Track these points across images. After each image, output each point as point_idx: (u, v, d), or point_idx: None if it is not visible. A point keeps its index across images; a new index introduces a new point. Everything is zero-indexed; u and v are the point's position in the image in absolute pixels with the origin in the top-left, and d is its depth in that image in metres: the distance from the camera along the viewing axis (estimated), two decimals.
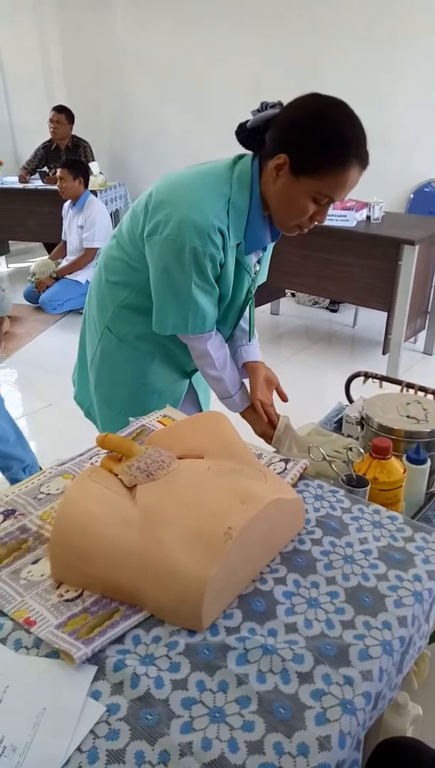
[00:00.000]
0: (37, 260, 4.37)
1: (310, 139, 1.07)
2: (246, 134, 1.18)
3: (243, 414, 1.40)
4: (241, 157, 1.21)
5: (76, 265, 4.08)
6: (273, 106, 1.14)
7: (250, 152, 1.20)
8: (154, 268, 1.22)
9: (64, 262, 4.16)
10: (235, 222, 1.19)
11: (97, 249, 3.97)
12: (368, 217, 3.21)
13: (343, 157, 1.07)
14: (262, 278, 1.43)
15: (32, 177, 4.71)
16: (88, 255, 4.03)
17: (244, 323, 1.45)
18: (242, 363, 1.43)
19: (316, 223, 1.19)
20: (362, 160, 1.09)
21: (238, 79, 4.35)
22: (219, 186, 1.17)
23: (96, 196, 4.33)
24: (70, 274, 4.08)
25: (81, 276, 4.03)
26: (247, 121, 1.18)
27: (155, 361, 1.41)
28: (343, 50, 3.79)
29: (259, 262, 1.36)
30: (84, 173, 3.93)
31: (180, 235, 1.15)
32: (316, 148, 1.07)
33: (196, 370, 1.50)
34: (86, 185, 3.95)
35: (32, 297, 4.13)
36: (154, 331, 1.29)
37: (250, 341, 1.46)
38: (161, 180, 1.24)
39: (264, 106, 1.15)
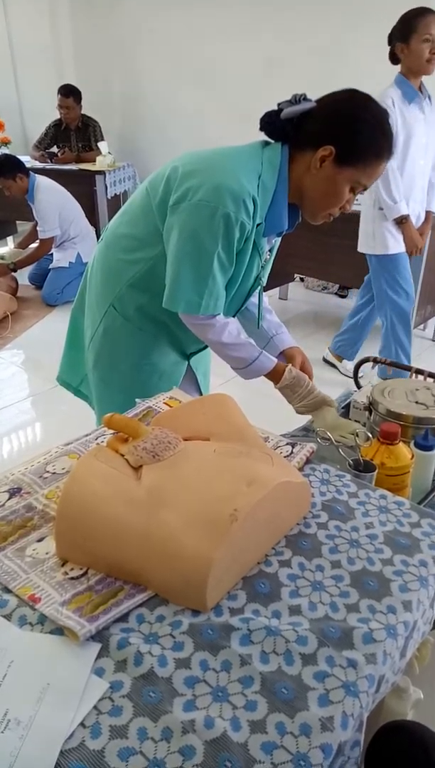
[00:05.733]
0: (9, 249, 4.44)
1: (359, 131, 1.14)
2: (278, 124, 1.19)
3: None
4: (266, 143, 1.23)
5: (32, 258, 4.04)
6: (305, 99, 1.18)
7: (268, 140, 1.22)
8: (179, 234, 1.19)
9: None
10: (263, 199, 1.20)
11: (52, 238, 3.92)
12: None
13: (383, 148, 1.16)
14: (266, 273, 1.41)
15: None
16: (43, 246, 3.97)
17: (253, 308, 1.44)
18: (278, 353, 1.45)
19: (342, 211, 1.25)
20: (392, 152, 1.19)
21: (250, 58, 4.27)
22: (251, 161, 1.20)
23: (104, 176, 4.29)
24: (28, 265, 4.06)
25: (63, 260, 3.97)
26: (276, 111, 1.19)
27: (158, 342, 1.40)
28: (358, 30, 3.70)
29: (270, 251, 1.35)
30: (15, 166, 3.76)
31: (213, 200, 1.14)
32: (363, 139, 1.15)
33: (196, 353, 1.50)
34: (26, 173, 3.79)
35: (37, 279, 4.12)
36: (162, 309, 1.27)
37: (257, 328, 1.45)
38: (185, 155, 1.24)
39: (296, 98, 1.18)
